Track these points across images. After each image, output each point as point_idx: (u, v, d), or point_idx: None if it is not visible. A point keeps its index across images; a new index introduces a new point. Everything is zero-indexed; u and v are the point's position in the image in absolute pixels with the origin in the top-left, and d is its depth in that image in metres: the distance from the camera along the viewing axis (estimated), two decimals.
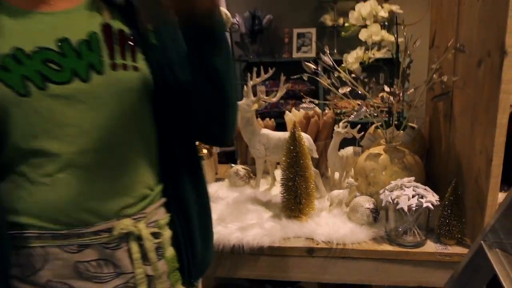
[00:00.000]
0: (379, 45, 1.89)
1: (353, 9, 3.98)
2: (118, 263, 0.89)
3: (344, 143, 1.60)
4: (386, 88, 1.55)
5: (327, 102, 1.82)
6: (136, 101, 0.90)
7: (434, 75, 1.30)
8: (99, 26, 0.89)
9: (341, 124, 1.54)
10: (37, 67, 0.82)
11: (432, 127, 1.78)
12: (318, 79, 1.47)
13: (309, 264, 1.30)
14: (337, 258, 1.28)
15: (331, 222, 1.35)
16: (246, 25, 3.92)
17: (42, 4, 0.87)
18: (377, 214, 1.33)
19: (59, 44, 0.84)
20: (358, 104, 1.40)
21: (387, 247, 1.26)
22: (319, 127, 1.69)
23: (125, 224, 0.88)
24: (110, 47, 0.87)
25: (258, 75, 1.55)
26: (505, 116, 1.08)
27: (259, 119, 1.75)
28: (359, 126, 1.55)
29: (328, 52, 1.47)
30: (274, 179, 1.70)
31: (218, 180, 1.84)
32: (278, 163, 1.80)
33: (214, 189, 1.69)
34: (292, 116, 1.72)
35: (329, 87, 1.45)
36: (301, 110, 1.75)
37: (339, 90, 1.43)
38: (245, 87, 1.54)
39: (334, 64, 1.44)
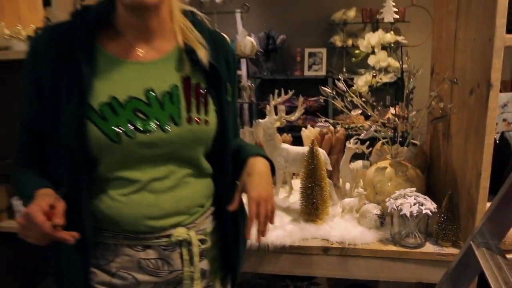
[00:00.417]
0: (385, 70, 2.10)
1: (361, 30, 4.27)
2: (171, 262, 1.07)
3: (354, 157, 1.79)
4: (392, 110, 1.75)
5: (339, 122, 2.01)
6: (200, 145, 1.07)
7: (433, 102, 1.49)
8: (181, 78, 1.03)
9: (352, 140, 1.73)
10: (128, 116, 0.97)
11: (432, 145, 1.97)
12: (332, 102, 1.66)
13: (325, 261, 1.48)
14: (349, 257, 1.46)
15: (343, 226, 1.53)
16: (261, 44, 4.15)
17: (133, 54, 1.01)
18: (383, 219, 1.52)
19: (147, 94, 0.99)
20: (368, 125, 1.59)
21: (392, 247, 1.44)
22: (332, 143, 1.89)
23: (180, 232, 1.05)
24: (188, 100, 1.02)
25: (278, 95, 1.75)
26: (491, 137, 1.27)
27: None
28: (367, 142, 1.75)
29: (341, 79, 1.65)
30: (291, 188, 1.89)
31: None
32: (294, 174, 1.99)
33: None
34: (309, 132, 1.92)
35: (343, 109, 1.65)
36: (316, 127, 1.95)
37: (351, 112, 1.63)
38: (267, 106, 1.74)
39: (347, 89, 1.64)
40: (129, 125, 0.96)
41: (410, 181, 1.56)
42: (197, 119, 1.02)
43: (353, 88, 1.84)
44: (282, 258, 1.51)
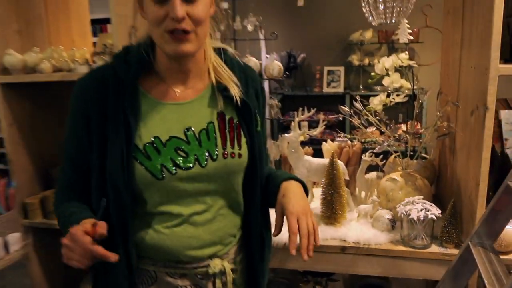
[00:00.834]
0: (398, 90, 2.30)
1: (378, 50, 4.48)
2: None
3: (369, 169, 1.98)
4: (403, 127, 1.94)
5: (356, 137, 2.21)
6: (235, 177, 1.12)
7: (438, 121, 1.68)
8: (215, 115, 1.09)
9: (367, 154, 1.92)
10: (170, 155, 1.02)
11: (441, 159, 2.15)
12: (350, 119, 1.86)
13: (342, 259, 1.67)
14: (364, 255, 1.64)
15: (359, 228, 1.72)
16: (282, 62, 4.36)
17: (171, 95, 1.07)
18: (394, 223, 1.70)
19: (186, 133, 1.05)
20: (382, 140, 1.78)
21: (401, 248, 1.62)
22: (350, 156, 2.08)
23: (216, 264, 1.12)
24: (223, 136, 1.08)
25: (302, 113, 1.95)
26: (487, 152, 1.45)
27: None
28: (381, 155, 1.94)
29: (358, 99, 1.85)
30: (312, 195, 2.08)
31: None
32: (314, 183, 2.19)
33: None
34: (329, 146, 2.12)
35: (359, 126, 1.85)
36: (335, 142, 2.15)
37: (367, 128, 1.83)
38: (292, 122, 1.94)
39: (363, 108, 1.83)
40: (171, 162, 1.02)
41: (418, 190, 1.74)
42: (231, 153, 1.08)
43: (369, 106, 2.03)
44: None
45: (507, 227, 1.50)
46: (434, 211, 1.56)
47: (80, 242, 0.89)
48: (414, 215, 1.56)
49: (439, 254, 1.59)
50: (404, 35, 3.47)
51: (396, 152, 1.86)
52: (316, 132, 1.96)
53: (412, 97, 2.08)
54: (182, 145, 1.04)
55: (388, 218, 1.69)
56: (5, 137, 2.01)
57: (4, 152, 1.95)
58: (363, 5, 1.59)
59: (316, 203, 1.92)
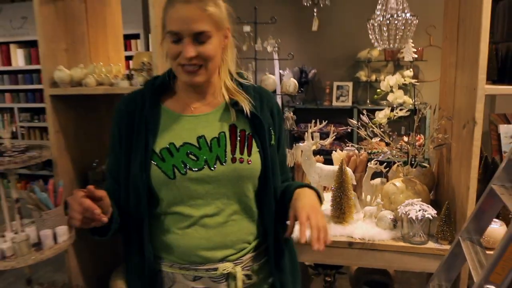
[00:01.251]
0: (401, 105, 2.51)
1: (384, 67, 4.74)
2: None
3: (374, 175, 2.19)
4: (405, 139, 2.15)
5: (362, 147, 2.42)
6: (245, 182, 1.17)
7: (434, 133, 1.89)
8: (228, 126, 1.16)
9: (372, 162, 2.13)
10: (182, 158, 1.12)
11: (439, 168, 2.35)
12: (358, 131, 2.08)
13: (349, 253, 1.87)
14: (368, 250, 1.85)
15: (364, 227, 1.92)
16: (295, 77, 4.59)
17: (188, 109, 1.18)
18: (396, 222, 1.90)
19: (198, 140, 1.14)
20: (386, 150, 1.99)
21: (402, 244, 1.82)
22: (357, 163, 2.29)
23: (226, 267, 1.15)
24: (233, 144, 1.15)
25: (314, 125, 2.17)
26: (476, 160, 1.66)
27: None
28: (385, 164, 2.15)
29: (365, 113, 2.07)
30: (323, 199, 2.29)
31: None
32: (325, 188, 2.40)
33: None
34: (338, 155, 2.33)
35: (366, 136, 2.06)
36: (344, 151, 2.36)
37: (373, 139, 2.04)
38: (306, 133, 2.16)
39: (370, 121, 2.05)
40: (182, 164, 1.12)
41: (417, 193, 1.95)
42: (240, 159, 1.14)
43: (374, 119, 2.25)
44: (316, 251, 1.91)
45: (494, 226, 1.71)
46: (431, 212, 1.77)
47: (74, 196, 0.96)
48: (413, 215, 1.76)
49: (434, 250, 1.79)
50: (409, 53, 3.71)
51: (399, 161, 2.07)
52: (327, 142, 2.18)
53: (413, 111, 2.30)
54: (194, 150, 1.13)
55: (390, 218, 1.90)
56: (51, 142, 2.25)
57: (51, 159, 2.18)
58: (370, 32, 1.82)
59: (326, 205, 2.13)
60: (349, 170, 2.04)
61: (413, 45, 3.93)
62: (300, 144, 2.17)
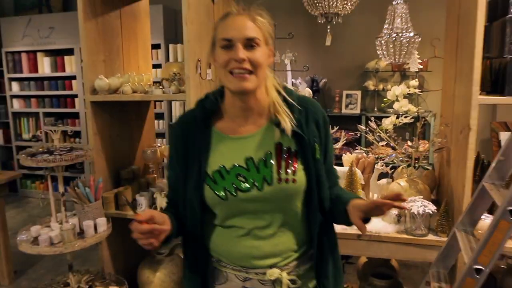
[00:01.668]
0: (406, 113, 2.72)
1: (391, 77, 4.98)
2: None
3: (381, 176, 2.40)
4: (409, 143, 2.37)
5: (370, 150, 2.63)
6: (291, 199, 1.21)
7: (435, 138, 2.11)
8: (274, 145, 1.19)
9: (379, 164, 2.35)
10: (232, 180, 1.18)
11: (440, 170, 2.56)
12: (366, 135, 2.30)
13: (358, 244, 2.08)
14: (375, 241, 2.05)
15: (371, 221, 2.13)
16: (307, 86, 4.83)
17: (236, 130, 1.22)
18: (400, 217, 2.11)
19: (246, 162, 1.19)
20: (391, 153, 2.21)
21: (405, 236, 2.02)
22: (365, 165, 2.51)
23: (274, 272, 1.21)
24: (279, 164, 1.18)
25: None
26: (471, 162, 1.87)
27: None
28: (390, 165, 2.36)
29: (373, 120, 2.29)
30: None
31: None
32: None
33: None
34: (348, 157, 2.55)
35: (373, 141, 2.28)
36: (353, 154, 2.58)
37: (379, 143, 2.26)
38: None
39: (377, 127, 2.27)
40: (233, 187, 1.18)
41: (419, 192, 2.16)
42: (285, 179, 1.18)
43: (381, 126, 2.47)
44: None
45: (486, 220, 1.91)
46: (431, 207, 1.98)
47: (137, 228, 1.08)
48: (415, 210, 1.97)
49: (434, 241, 1.99)
50: (414, 64, 3.95)
51: (403, 164, 2.29)
52: (338, 146, 2.41)
53: (417, 118, 2.51)
54: (243, 172, 1.19)
55: (395, 213, 2.10)
56: (90, 143, 2.49)
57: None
58: (377, 48, 2.04)
59: None
60: (358, 171, 2.25)
61: (418, 56, 4.15)
62: None
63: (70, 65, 5.37)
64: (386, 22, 2.09)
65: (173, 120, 4.97)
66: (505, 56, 1.84)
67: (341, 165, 2.49)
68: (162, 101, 4.99)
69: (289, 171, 1.18)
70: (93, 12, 2.46)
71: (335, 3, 2.04)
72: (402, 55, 2.04)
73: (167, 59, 4.73)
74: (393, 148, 2.34)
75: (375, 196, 2.43)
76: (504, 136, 3.09)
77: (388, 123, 2.53)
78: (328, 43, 2.43)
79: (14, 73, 5.61)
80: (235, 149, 1.21)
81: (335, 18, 2.26)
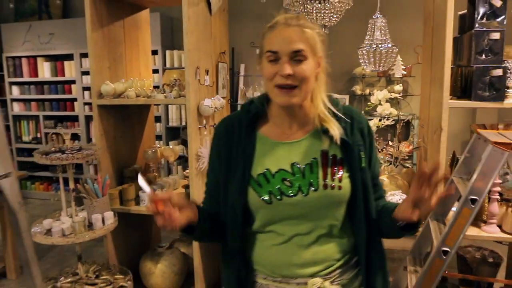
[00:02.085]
0: (388, 116, 2.94)
1: (377, 82, 5.23)
2: None
3: None
4: (390, 143, 2.58)
5: None
6: (335, 206, 1.17)
7: (411, 138, 2.32)
8: (320, 152, 1.16)
9: None
10: (277, 184, 1.14)
11: (419, 166, 2.78)
12: None
13: None
14: None
15: None
16: None
17: (282, 136, 1.20)
18: None
19: (292, 166, 1.16)
20: None
21: None
22: None
23: (316, 282, 1.17)
24: (325, 170, 1.15)
25: None
26: (443, 158, 2.08)
27: None
28: None
29: None
30: None
31: None
32: None
33: None
34: None
35: None
36: None
37: None
38: None
39: None
40: (278, 191, 1.14)
41: (398, 187, 2.37)
42: (331, 185, 1.14)
43: None
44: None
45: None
46: None
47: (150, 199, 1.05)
48: (395, 201, 2.18)
49: None
50: (398, 70, 4.19)
51: (384, 161, 2.50)
52: None
53: (398, 121, 2.73)
54: (288, 176, 1.16)
55: None
56: (96, 143, 2.67)
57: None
58: (360, 57, 2.25)
59: None
60: None
61: (402, 62, 4.38)
62: None
63: (70, 70, 5.52)
64: (367, 34, 2.30)
65: (170, 123, 5.15)
66: (472, 65, 2.05)
67: None
68: (159, 104, 5.17)
69: (335, 178, 1.15)
70: (100, 23, 2.65)
71: (322, 16, 2.24)
72: (381, 64, 2.25)
73: (164, 64, 4.91)
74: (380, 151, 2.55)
75: None
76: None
77: (372, 125, 2.75)
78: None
79: (15, 77, 5.75)
80: (280, 154, 1.19)
81: (322, 29, 2.46)
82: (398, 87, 4.38)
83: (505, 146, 1.56)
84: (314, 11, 2.27)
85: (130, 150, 3.01)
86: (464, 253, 2.60)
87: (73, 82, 5.51)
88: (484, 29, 2.03)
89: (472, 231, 2.06)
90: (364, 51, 2.26)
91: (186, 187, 2.76)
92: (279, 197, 1.14)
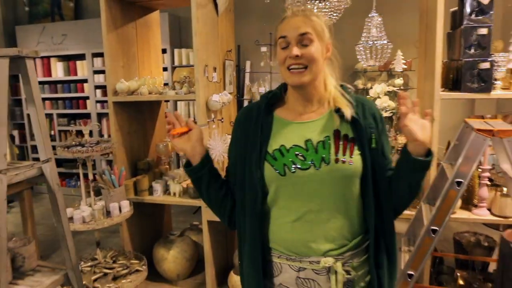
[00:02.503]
0: (386, 108, 3.09)
1: (378, 76, 5.39)
2: (321, 284, 1.22)
3: None
4: (388, 134, 2.72)
5: None
6: (347, 182, 1.21)
7: None
8: (332, 131, 1.22)
9: None
10: (292, 158, 1.20)
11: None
12: None
13: None
14: None
15: None
16: None
17: (298, 117, 1.26)
18: None
19: (306, 143, 1.21)
20: None
21: None
22: None
23: (328, 261, 1.20)
24: (337, 147, 1.20)
25: None
26: (435, 148, 2.22)
27: None
28: None
29: None
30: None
31: None
32: None
33: None
34: None
35: None
36: None
37: None
38: None
39: None
40: (292, 164, 1.20)
41: None
42: (342, 160, 1.18)
43: None
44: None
45: None
46: None
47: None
48: None
49: (406, 215, 2.33)
50: (399, 64, 4.32)
51: None
52: None
53: (395, 113, 2.87)
54: (302, 151, 1.21)
55: None
56: (112, 138, 2.84)
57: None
58: (357, 52, 2.39)
59: None
60: None
61: (403, 57, 4.50)
62: None
63: (82, 69, 5.71)
64: (364, 31, 2.44)
65: None
66: (461, 59, 2.19)
67: None
68: (168, 101, 5.35)
69: (346, 153, 1.20)
70: (114, 25, 2.81)
71: (322, 14, 2.38)
72: (378, 59, 2.39)
73: (173, 62, 5.08)
74: None
75: None
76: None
77: None
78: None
79: None
80: (295, 132, 1.25)
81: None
82: (399, 81, 4.50)
83: (486, 132, 1.70)
84: (315, 10, 2.41)
85: (142, 144, 3.18)
86: (460, 238, 2.74)
87: (85, 81, 5.70)
88: (472, 24, 2.16)
89: (463, 214, 2.21)
90: (361, 48, 2.39)
91: None
92: (292, 170, 1.19)
